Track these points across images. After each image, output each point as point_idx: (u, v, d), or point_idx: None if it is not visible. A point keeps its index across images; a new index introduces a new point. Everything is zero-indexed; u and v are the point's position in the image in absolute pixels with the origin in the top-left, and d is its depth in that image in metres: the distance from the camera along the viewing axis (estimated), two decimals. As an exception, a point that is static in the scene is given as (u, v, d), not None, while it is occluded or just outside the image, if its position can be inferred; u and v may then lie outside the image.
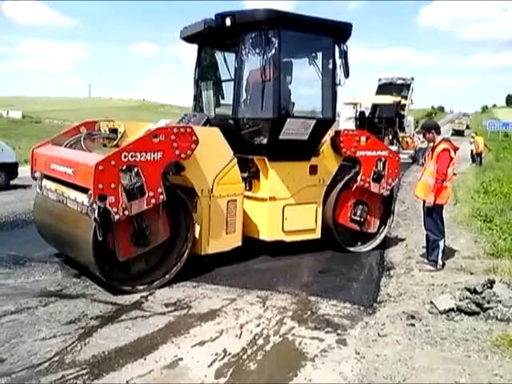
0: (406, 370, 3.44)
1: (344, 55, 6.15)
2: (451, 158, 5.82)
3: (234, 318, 4.33)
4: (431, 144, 6.23)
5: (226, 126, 5.91)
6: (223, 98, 6.86)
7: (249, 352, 3.69)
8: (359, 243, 6.91)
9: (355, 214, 6.70)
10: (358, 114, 22.00)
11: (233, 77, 6.21)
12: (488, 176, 16.27)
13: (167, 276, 5.14)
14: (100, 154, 5.22)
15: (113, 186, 4.47)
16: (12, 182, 11.83)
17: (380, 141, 8.15)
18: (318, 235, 6.54)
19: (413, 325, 4.21)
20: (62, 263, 5.68)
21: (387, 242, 7.22)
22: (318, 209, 6.48)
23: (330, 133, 6.61)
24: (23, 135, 30.67)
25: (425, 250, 6.25)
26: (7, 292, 4.75)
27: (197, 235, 5.33)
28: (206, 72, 6.94)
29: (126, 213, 4.58)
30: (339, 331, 4.08)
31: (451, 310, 4.45)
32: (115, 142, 6.22)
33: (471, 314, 4.39)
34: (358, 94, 24.97)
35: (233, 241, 5.77)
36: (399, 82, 24.68)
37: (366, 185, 6.62)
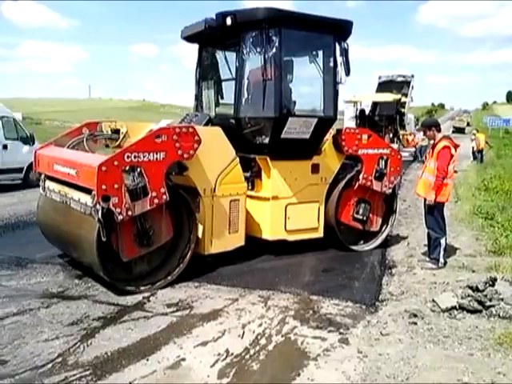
0: (408, 369, 3.43)
1: (345, 53, 6.14)
2: (452, 156, 5.81)
3: (236, 317, 4.33)
4: (432, 141, 6.22)
5: (228, 125, 5.90)
6: (224, 97, 6.83)
7: (251, 352, 3.69)
8: (362, 242, 6.91)
9: (357, 213, 6.70)
10: (358, 112, 21.98)
11: (234, 76, 6.21)
12: (489, 173, 16.25)
13: (169, 277, 5.14)
14: (103, 154, 5.23)
15: (116, 186, 4.48)
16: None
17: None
18: (320, 234, 6.54)
19: (415, 323, 4.21)
20: (64, 264, 5.69)
21: (389, 241, 7.21)
22: (321, 207, 6.47)
23: (332, 131, 6.61)
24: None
25: (426, 248, 6.24)
26: (9, 294, 4.76)
27: (200, 235, 5.34)
28: (207, 71, 6.92)
29: (130, 213, 4.59)
30: (341, 330, 4.08)
31: (453, 308, 4.45)
32: (117, 143, 6.23)
33: (473, 311, 4.38)
34: (357, 92, 24.82)
35: (236, 240, 5.76)
36: (399, 79, 24.57)
37: (368, 183, 6.62)
